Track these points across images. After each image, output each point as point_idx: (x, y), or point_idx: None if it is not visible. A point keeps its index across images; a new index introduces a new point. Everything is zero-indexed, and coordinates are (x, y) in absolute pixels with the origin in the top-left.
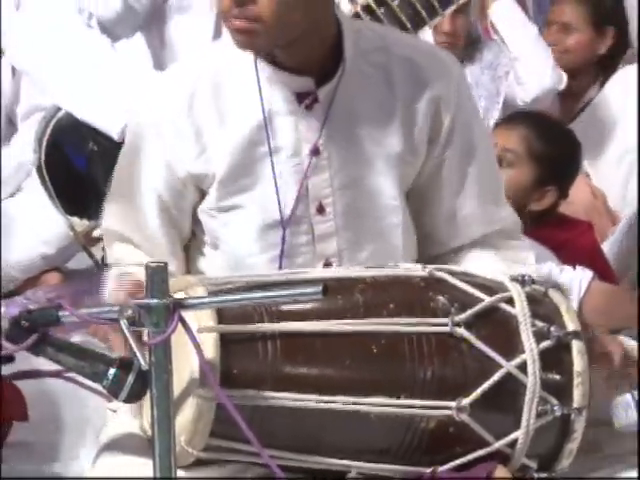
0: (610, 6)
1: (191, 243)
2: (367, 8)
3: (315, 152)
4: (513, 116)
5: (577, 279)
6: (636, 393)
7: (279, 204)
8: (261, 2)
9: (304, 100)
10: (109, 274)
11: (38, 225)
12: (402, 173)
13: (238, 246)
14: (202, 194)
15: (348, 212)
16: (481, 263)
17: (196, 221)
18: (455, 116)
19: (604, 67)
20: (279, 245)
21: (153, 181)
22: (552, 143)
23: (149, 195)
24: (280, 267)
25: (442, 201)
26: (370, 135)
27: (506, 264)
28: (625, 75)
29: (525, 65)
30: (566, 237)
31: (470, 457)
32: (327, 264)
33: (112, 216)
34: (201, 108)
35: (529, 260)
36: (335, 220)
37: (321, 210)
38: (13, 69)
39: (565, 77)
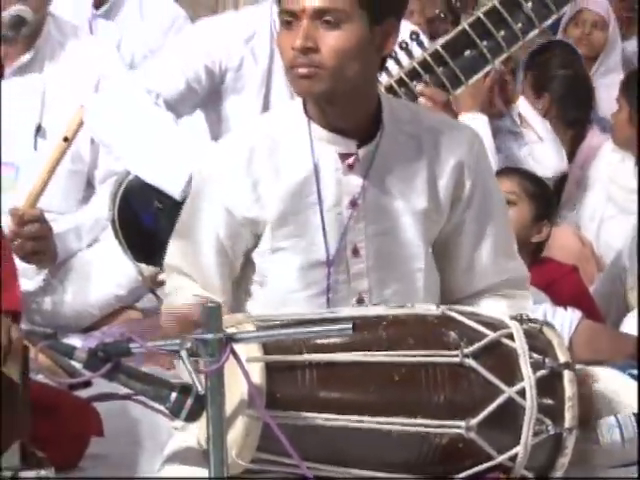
0: None
1: (239, 282)
2: (400, 81)
3: (354, 204)
4: (507, 168)
5: (568, 319)
6: (620, 416)
7: (326, 247)
8: (324, 51)
9: (347, 159)
10: (164, 304)
11: (112, 270)
12: (427, 227)
13: (283, 283)
14: (255, 238)
15: (378, 256)
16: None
17: (246, 262)
18: (475, 181)
19: None
20: (319, 282)
21: (213, 224)
22: (542, 185)
23: (208, 236)
24: (328, 301)
25: (461, 254)
26: (401, 193)
27: (513, 310)
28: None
29: (546, 149)
30: (553, 278)
31: (477, 469)
32: (359, 299)
33: (174, 252)
34: (259, 162)
35: (528, 303)
36: (367, 262)
37: (356, 253)
38: (92, 140)
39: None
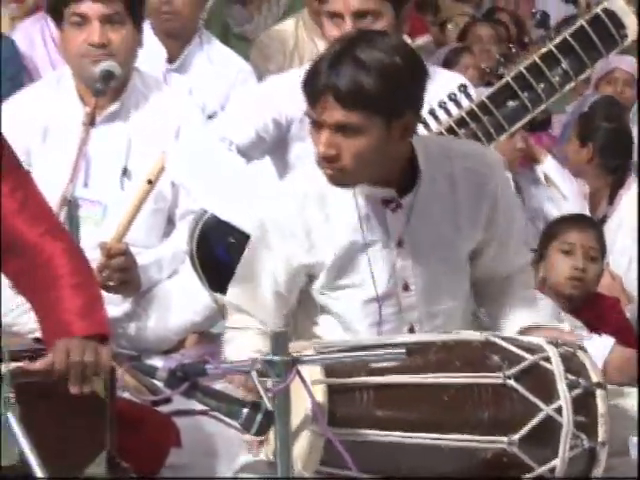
0: None
1: (300, 312)
2: (449, 129)
3: (400, 244)
4: (584, 221)
5: (602, 344)
6: None
7: (374, 286)
8: (344, 158)
9: (390, 205)
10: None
11: (190, 299)
12: (466, 250)
13: (345, 315)
14: (311, 278)
15: (426, 289)
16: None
17: (306, 296)
18: (504, 200)
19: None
20: (373, 315)
21: (271, 269)
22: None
23: (267, 280)
24: (379, 332)
25: (490, 254)
26: (442, 228)
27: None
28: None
29: (570, 206)
30: (602, 309)
31: None
32: (411, 329)
33: (234, 292)
34: (310, 211)
35: (565, 329)
36: (417, 296)
37: (406, 288)
38: (172, 182)
39: None
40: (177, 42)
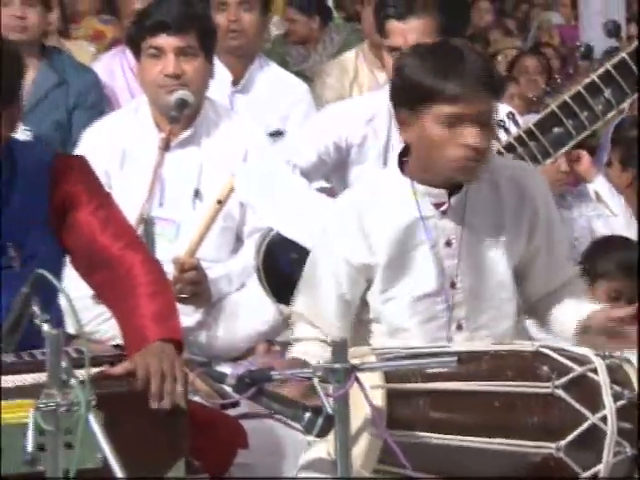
0: None
1: (360, 321)
2: (498, 153)
3: (448, 244)
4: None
5: None
6: None
7: (437, 281)
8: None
9: (440, 207)
10: (292, 347)
11: (257, 310)
12: (510, 257)
13: (395, 315)
14: (368, 283)
15: (472, 288)
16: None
17: (363, 306)
18: (546, 211)
19: None
20: (424, 312)
21: (333, 273)
22: None
23: (329, 284)
24: (428, 329)
25: (537, 266)
26: (487, 231)
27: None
28: None
29: (619, 223)
30: None
31: None
32: (458, 326)
33: (298, 300)
34: (367, 215)
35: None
36: (463, 293)
37: (453, 286)
38: (241, 202)
39: None
40: (241, 62)
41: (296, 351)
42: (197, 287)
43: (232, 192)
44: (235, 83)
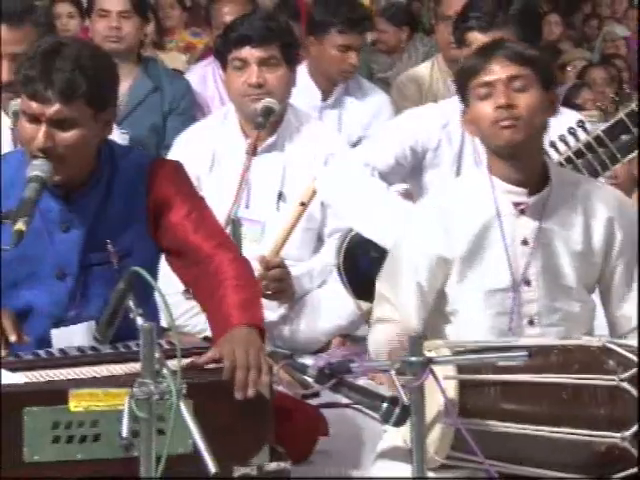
0: None
1: (438, 312)
2: (568, 159)
3: (525, 243)
4: None
5: None
6: None
7: (512, 277)
8: (520, 106)
9: (519, 206)
10: (372, 327)
11: (337, 306)
12: (583, 268)
13: (469, 308)
14: (445, 276)
15: (545, 286)
16: None
17: (440, 297)
18: (625, 235)
19: None
20: (497, 306)
21: (413, 259)
22: None
23: (408, 270)
24: (500, 323)
25: (617, 295)
26: (561, 236)
27: None
28: None
29: None
30: None
31: (628, 472)
32: (531, 322)
33: (380, 282)
34: (448, 211)
35: None
36: (537, 291)
37: (527, 283)
38: (322, 204)
39: None
40: (330, 82)
41: (374, 330)
42: (281, 284)
43: (314, 195)
44: (324, 99)
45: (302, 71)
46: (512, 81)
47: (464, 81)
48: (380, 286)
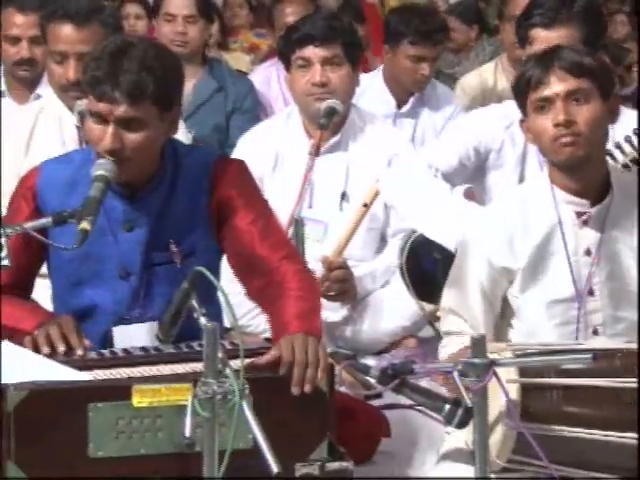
0: None
1: (502, 318)
2: (624, 166)
3: (588, 253)
4: None
5: None
6: None
7: (575, 288)
8: (580, 122)
9: (582, 216)
10: (442, 340)
11: (399, 307)
12: None
13: (533, 317)
14: (509, 283)
15: (610, 295)
16: None
17: (504, 302)
18: None
19: None
20: (561, 316)
21: (477, 274)
22: None
23: (474, 284)
24: (564, 333)
25: None
26: (625, 242)
27: None
28: None
29: None
30: None
31: None
32: (595, 331)
33: (447, 295)
34: (511, 221)
35: None
36: (601, 300)
37: (591, 293)
38: (385, 204)
39: None
40: (405, 91)
41: (446, 344)
42: (344, 285)
43: (377, 196)
44: (399, 107)
45: (378, 78)
46: (571, 95)
47: (522, 92)
48: (445, 299)
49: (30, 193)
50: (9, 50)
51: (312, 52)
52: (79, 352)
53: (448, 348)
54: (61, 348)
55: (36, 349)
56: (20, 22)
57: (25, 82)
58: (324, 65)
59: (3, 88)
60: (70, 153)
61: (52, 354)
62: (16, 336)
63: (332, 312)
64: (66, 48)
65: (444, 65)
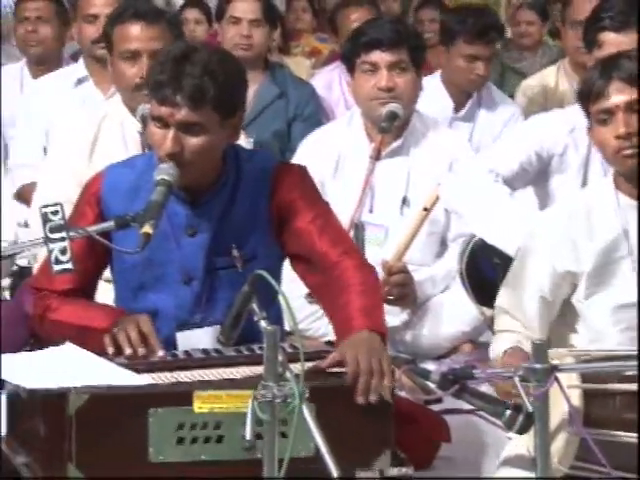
0: None
1: (563, 321)
2: None
3: None
4: None
5: None
6: None
7: (626, 293)
8: None
9: None
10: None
11: (459, 311)
12: None
13: (597, 321)
14: (572, 287)
15: None
16: None
17: (566, 306)
18: None
19: None
20: (626, 321)
21: (538, 276)
22: None
23: (533, 286)
24: (630, 338)
25: None
26: None
27: None
28: None
29: None
30: None
31: None
32: None
33: (502, 295)
34: (576, 225)
35: None
36: None
37: None
38: (445, 209)
39: None
40: (462, 93)
41: (497, 339)
42: (404, 289)
43: (437, 200)
44: (456, 111)
45: (435, 81)
46: (631, 106)
47: (584, 103)
48: (500, 299)
49: (94, 199)
50: (87, 29)
51: (379, 56)
52: (160, 354)
53: (499, 344)
54: (141, 350)
55: (117, 348)
56: (99, 1)
57: (104, 62)
58: (391, 70)
59: (85, 74)
60: (133, 158)
61: (119, 353)
62: (88, 335)
63: (392, 316)
64: (138, 46)
65: (509, 60)
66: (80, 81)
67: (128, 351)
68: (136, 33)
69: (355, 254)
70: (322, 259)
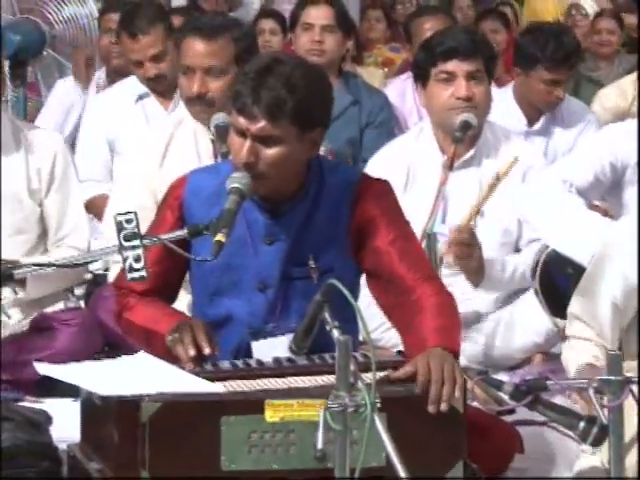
0: None
1: (630, 332)
2: None
3: None
4: None
5: None
6: None
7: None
8: None
9: None
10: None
11: (532, 322)
12: None
13: None
14: None
15: None
16: None
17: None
18: None
19: None
20: None
21: (611, 286)
22: None
23: (606, 295)
24: None
25: None
26: None
27: None
28: None
29: None
30: None
31: None
32: None
33: (575, 302)
34: None
35: None
36: None
37: None
38: (518, 220)
39: None
40: (536, 111)
41: (570, 346)
42: (469, 249)
43: (512, 166)
44: (530, 125)
45: (507, 95)
46: None
47: None
48: (572, 306)
49: (177, 203)
50: None
51: (456, 66)
52: (206, 351)
53: (575, 353)
54: (191, 352)
55: (171, 354)
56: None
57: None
58: (468, 79)
59: (144, 90)
60: (218, 164)
61: (185, 363)
62: (152, 337)
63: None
64: (192, 62)
65: (584, 68)
66: (141, 97)
67: (181, 353)
68: (193, 48)
69: (434, 281)
70: (399, 282)
